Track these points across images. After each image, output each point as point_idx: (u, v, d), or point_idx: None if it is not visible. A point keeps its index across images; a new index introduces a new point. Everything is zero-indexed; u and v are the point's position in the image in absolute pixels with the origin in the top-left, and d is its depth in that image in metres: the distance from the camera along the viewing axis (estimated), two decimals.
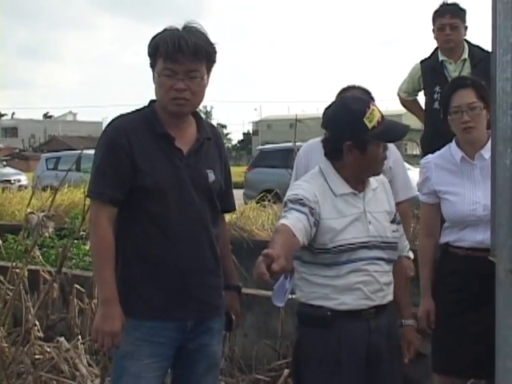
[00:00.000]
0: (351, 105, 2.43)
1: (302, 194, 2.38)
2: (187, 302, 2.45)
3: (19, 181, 23.04)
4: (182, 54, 2.36)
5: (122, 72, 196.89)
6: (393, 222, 2.56)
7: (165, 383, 2.63)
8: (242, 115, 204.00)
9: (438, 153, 3.07)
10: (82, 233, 5.20)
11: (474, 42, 4.78)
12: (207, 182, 2.50)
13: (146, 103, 2.55)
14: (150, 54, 2.45)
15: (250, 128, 77.19)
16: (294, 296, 2.80)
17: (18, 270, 4.27)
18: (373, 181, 2.54)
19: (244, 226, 7.93)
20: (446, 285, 2.95)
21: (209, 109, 79.28)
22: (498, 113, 1.98)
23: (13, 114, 76.14)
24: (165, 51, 2.37)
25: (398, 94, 5.19)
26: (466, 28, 4.73)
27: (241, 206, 9.69)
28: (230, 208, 2.77)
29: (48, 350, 4.09)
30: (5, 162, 28.56)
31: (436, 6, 4.74)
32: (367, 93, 3.33)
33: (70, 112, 76.77)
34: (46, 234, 3.97)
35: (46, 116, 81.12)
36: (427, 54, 4.91)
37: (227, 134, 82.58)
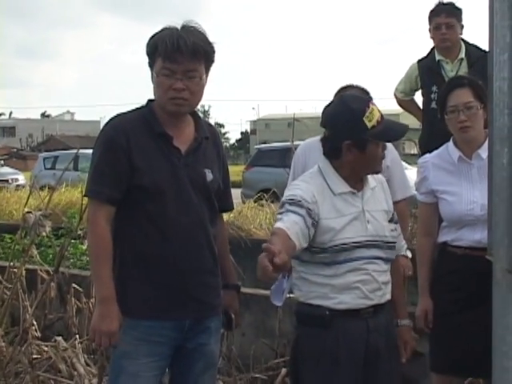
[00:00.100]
0: (351, 104, 2.43)
1: (299, 194, 2.37)
2: (186, 302, 2.44)
3: (17, 180, 22.96)
4: (181, 54, 2.35)
5: (120, 71, 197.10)
6: (391, 221, 2.56)
7: (163, 382, 2.63)
8: (239, 114, 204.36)
9: (435, 152, 3.07)
10: (79, 232, 5.20)
11: (470, 41, 4.79)
12: (205, 181, 2.50)
13: (144, 103, 2.55)
14: (148, 54, 2.44)
15: (247, 127, 77.21)
16: (292, 295, 2.80)
17: (15, 270, 4.28)
18: (371, 180, 2.54)
19: (242, 225, 7.91)
20: (443, 284, 2.96)
21: (206, 108, 79.13)
22: (494, 112, 1.98)
23: (10, 113, 76.00)
24: (163, 51, 2.36)
25: (395, 95, 5.19)
26: (462, 27, 4.72)
27: (239, 205, 9.66)
28: (228, 207, 2.76)
29: (46, 349, 4.09)
30: (2, 162, 28.44)
31: (432, 6, 4.76)
32: (365, 92, 3.32)
33: (68, 111, 76.72)
34: (44, 234, 3.96)
35: (43, 115, 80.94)
36: (424, 54, 4.92)
37: (225, 133, 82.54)
